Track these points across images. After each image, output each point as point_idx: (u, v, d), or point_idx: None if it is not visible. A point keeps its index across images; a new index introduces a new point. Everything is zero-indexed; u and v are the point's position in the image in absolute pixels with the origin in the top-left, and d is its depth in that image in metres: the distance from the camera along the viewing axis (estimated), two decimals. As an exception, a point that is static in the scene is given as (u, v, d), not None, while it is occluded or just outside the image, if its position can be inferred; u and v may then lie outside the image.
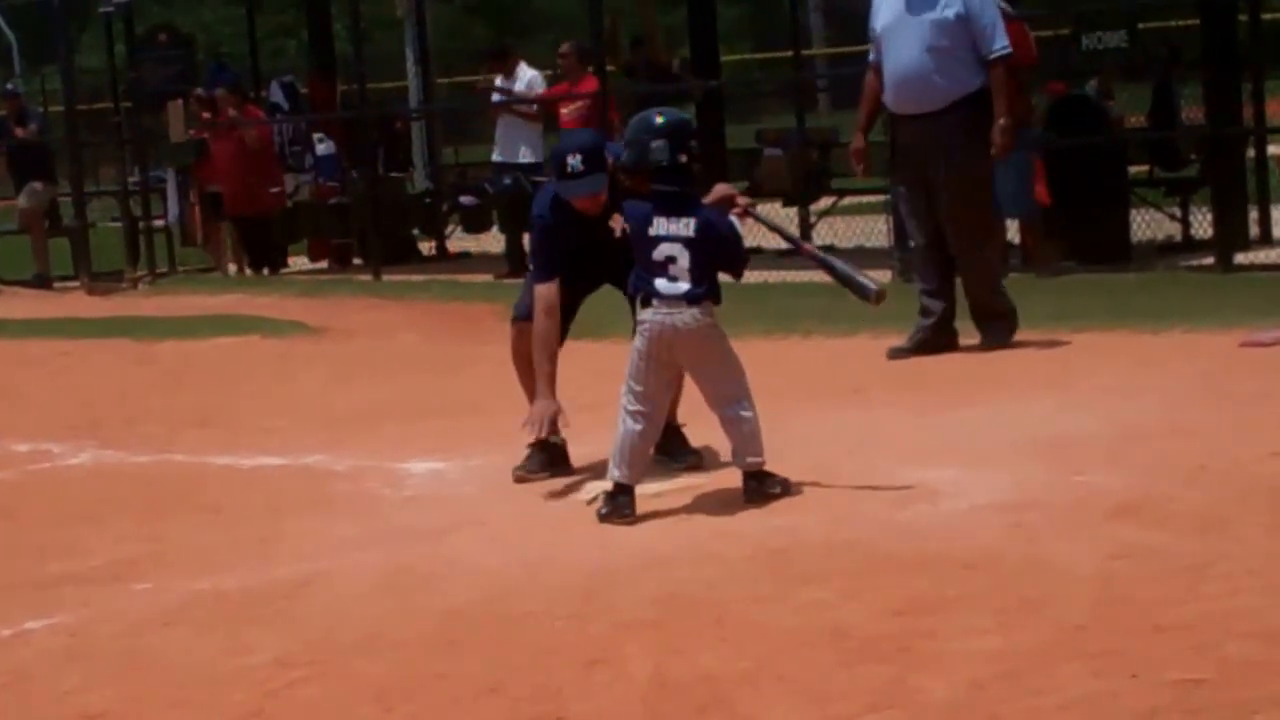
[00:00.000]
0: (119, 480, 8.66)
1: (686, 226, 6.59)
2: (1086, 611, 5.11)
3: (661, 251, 6.60)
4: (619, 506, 6.65)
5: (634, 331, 6.76)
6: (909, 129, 10.33)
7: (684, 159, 6.63)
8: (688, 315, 6.60)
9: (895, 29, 10.27)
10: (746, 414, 6.68)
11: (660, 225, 6.61)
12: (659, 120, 6.73)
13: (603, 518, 6.65)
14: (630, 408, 6.70)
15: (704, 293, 6.60)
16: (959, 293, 10.41)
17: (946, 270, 10.42)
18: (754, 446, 6.67)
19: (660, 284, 6.60)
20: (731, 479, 6.87)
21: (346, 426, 9.48)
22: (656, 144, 6.60)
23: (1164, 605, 5.11)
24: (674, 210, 6.61)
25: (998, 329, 10.27)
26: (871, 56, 10.60)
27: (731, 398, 6.69)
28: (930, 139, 10.18)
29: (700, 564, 5.86)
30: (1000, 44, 10.21)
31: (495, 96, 17.89)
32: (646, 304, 6.65)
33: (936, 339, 10.29)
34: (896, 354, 10.20)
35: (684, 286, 6.58)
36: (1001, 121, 10.17)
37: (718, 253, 6.65)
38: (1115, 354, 9.72)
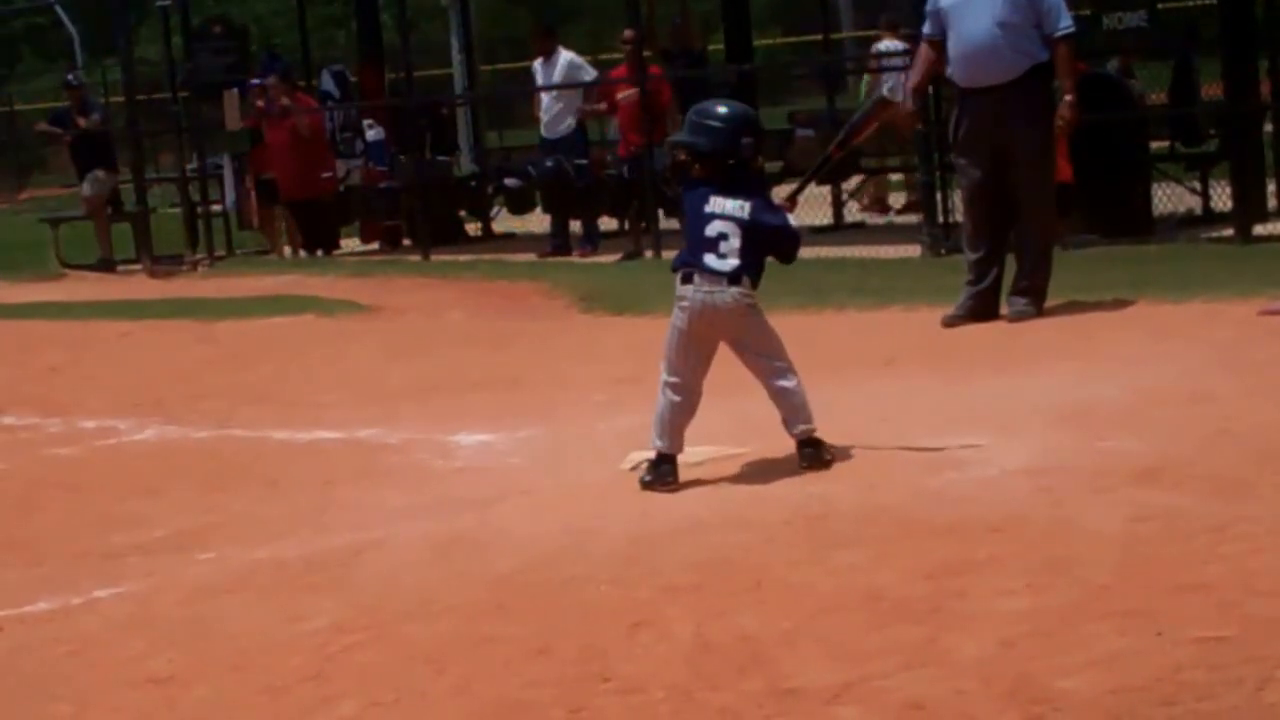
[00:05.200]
0: (181, 455, 8.79)
1: (741, 209, 6.68)
2: (1111, 572, 5.13)
3: (714, 228, 6.67)
4: (662, 474, 6.71)
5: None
6: (978, 102, 10.44)
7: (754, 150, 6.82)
8: (729, 295, 6.66)
9: (963, 5, 10.38)
10: (792, 383, 6.74)
11: (716, 203, 6.69)
12: (730, 110, 6.86)
13: (646, 485, 6.70)
14: (668, 380, 6.76)
15: (745, 271, 6.66)
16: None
17: (999, 240, 10.51)
18: (804, 414, 6.72)
19: (709, 259, 6.65)
20: (768, 448, 6.91)
21: (398, 401, 9.58)
22: (746, 140, 6.74)
23: (1186, 565, 5.13)
24: (731, 191, 6.71)
25: (1029, 302, 10.37)
26: (927, 29, 10.71)
27: (776, 370, 6.75)
28: (1001, 110, 10.29)
29: (739, 530, 5.89)
30: (1065, 22, 10.32)
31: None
32: (688, 281, 6.69)
33: (985, 306, 10.41)
34: (951, 321, 10.33)
35: (732, 263, 6.64)
36: (1068, 98, 10.29)
37: (767, 239, 6.74)
38: (1137, 323, 9.76)
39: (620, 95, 16.96)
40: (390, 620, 5.42)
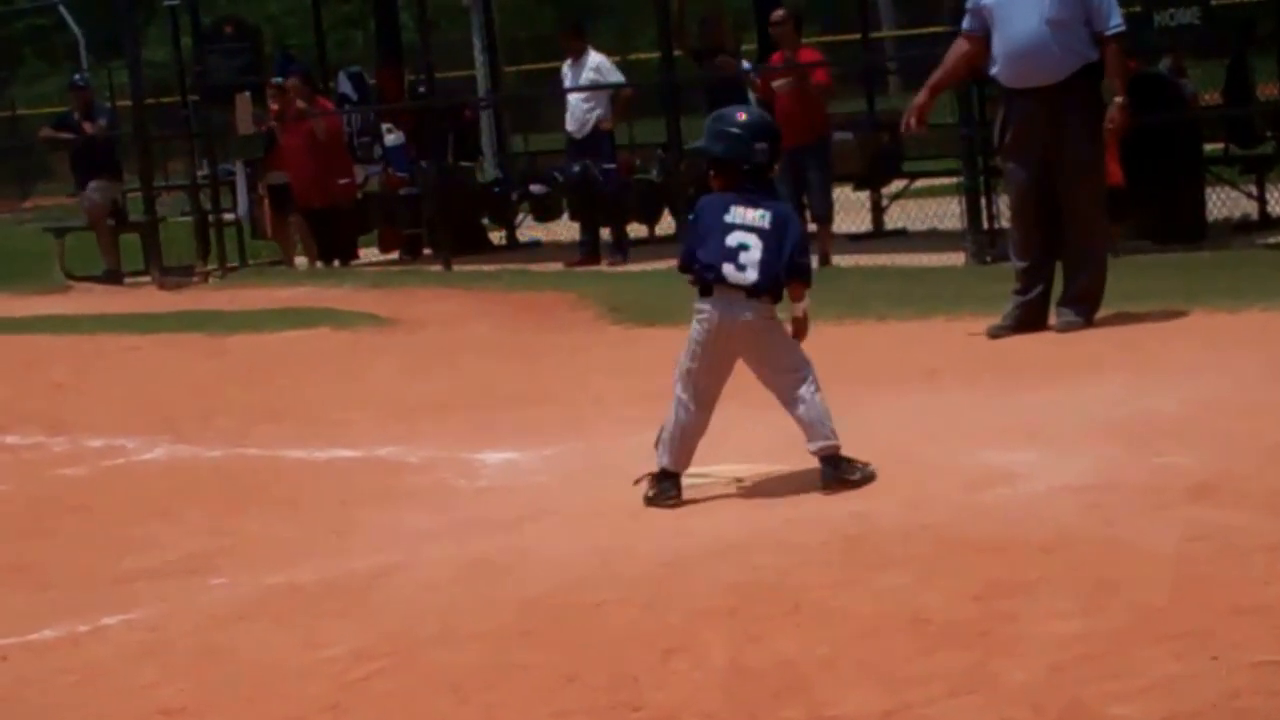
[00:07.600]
0: (193, 475, 8.73)
1: (762, 218, 6.69)
2: (1166, 593, 5.08)
3: (735, 238, 6.68)
4: (664, 491, 6.74)
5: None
6: (1026, 103, 10.33)
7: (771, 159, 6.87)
8: (748, 310, 6.69)
9: (1010, 2, 10.26)
10: (809, 394, 6.68)
11: (736, 213, 6.71)
12: (747, 117, 6.93)
13: (649, 501, 6.74)
14: (682, 396, 6.76)
15: (766, 288, 6.67)
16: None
17: (1048, 248, 10.41)
18: (822, 429, 6.66)
19: (728, 270, 6.66)
20: (805, 465, 6.85)
21: (419, 417, 9.54)
22: (760, 146, 6.75)
23: (1243, 586, 5.08)
24: (752, 202, 6.73)
25: (1078, 312, 10.26)
26: (967, 25, 10.60)
27: (792, 382, 6.72)
28: (1050, 112, 10.20)
29: (776, 550, 5.85)
30: (1115, 21, 10.26)
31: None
32: (706, 293, 6.71)
33: (1033, 317, 10.32)
34: (997, 332, 10.24)
35: (752, 277, 6.64)
36: (1119, 99, 10.22)
37: (788, 247, 6.70)
38: (1191, 334, 9.74)
39: (776, 84, 16.40)
40: (412, 647, 5.36)
